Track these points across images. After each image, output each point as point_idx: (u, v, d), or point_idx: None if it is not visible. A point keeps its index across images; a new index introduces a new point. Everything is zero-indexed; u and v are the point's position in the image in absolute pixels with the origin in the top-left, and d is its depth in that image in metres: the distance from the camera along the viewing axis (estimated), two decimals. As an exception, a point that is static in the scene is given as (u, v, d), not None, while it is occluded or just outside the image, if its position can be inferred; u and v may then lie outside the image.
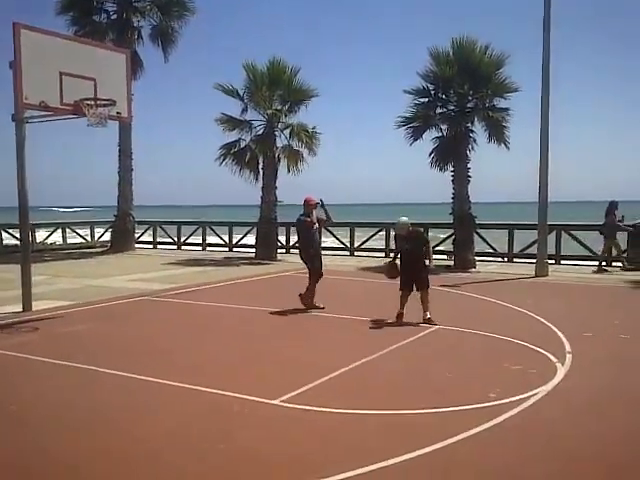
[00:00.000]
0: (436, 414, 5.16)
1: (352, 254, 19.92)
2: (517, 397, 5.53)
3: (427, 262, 9.13)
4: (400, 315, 8.96)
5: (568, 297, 11.62)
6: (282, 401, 5.46)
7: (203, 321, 9.46)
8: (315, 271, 10.08)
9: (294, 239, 21.19)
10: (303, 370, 6.52)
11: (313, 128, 18.76)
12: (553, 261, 15.99)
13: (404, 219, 9.08)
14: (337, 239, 21.11)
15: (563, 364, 6.65)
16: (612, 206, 15.27)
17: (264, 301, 10.86)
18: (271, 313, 9.78)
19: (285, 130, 18.79)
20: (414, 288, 9.05)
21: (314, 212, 10.09)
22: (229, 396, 5.63)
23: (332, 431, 4.87)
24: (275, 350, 7.48)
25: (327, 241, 22.28)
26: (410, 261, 9.07)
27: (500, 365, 6.67)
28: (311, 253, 10.12)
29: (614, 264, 15.56)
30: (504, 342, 7.72)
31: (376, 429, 4.89)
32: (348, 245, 20.40)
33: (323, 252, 10.73)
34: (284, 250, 20.60)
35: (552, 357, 6.92)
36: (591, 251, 16.74)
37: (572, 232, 17.18)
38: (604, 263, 15.36)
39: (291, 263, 17.44)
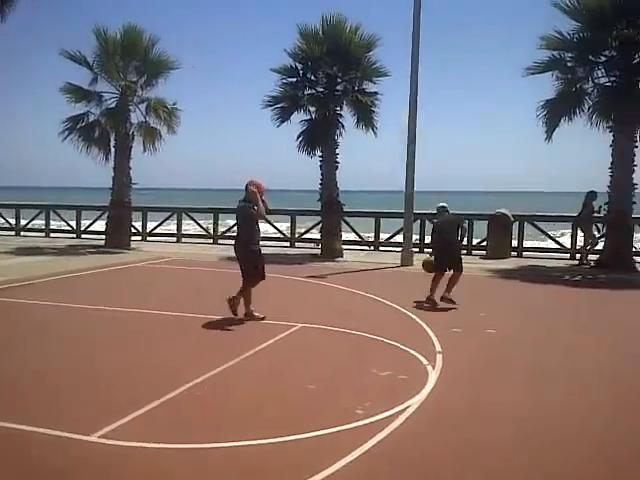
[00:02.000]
0: (293, 443, 4.25)
1: (215, 242, 18.71)
2: (387, 412, 4.80)
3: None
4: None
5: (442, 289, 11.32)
6: (101, 436, 4.28)
7: (26, 326, 7.87)
8: (256, 272, 8.15)
9: (152, 225, 19.62)
10: (136, 389, 5.34)
11: (173, 104, 17.20)
12: (418, 249, 15.91)
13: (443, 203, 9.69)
14: (200, 226, 19.81)
15: (434, 367, 6.07)
16: (590, 198, 14.34)
17: (110, 298, 9.43)
18: (116, 313, 8.42)
19: (141, 105, 17.05)
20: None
21: (260, 201, 8.03)
22: (27, 432, 4.34)
23: (166, 475, 3.81)
24: (109, 364, 6.17)
25: (189, 230, 20.96)
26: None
27: (368, 371, 5.94)
28: (253, 250, 8.12)
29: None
30: (372, 342, 7.05)
31: (218, 467, 3.91)
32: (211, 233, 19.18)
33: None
34: (140, 237, 18.92)
35: (422, 359, 6.32)
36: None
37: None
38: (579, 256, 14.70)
39: (147, 252, 15.93)
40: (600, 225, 14.52)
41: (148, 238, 19.16)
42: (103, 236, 17.89)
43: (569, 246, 15.86)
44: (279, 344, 7.00)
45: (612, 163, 13.60)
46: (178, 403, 5.02)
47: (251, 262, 8.08)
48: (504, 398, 5.28)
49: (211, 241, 18.77)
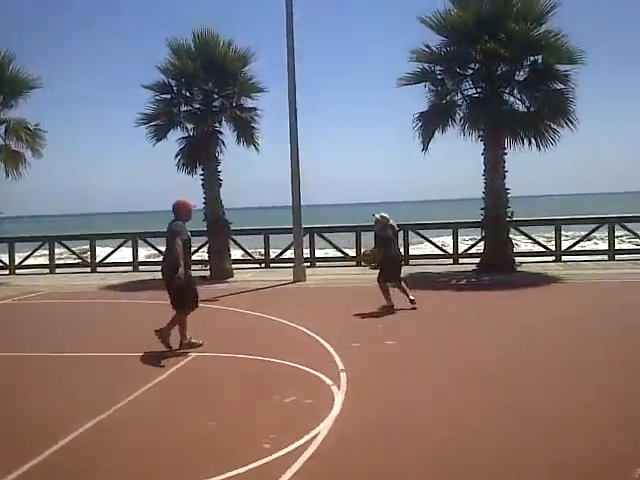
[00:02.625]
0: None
1: (94, 270, 17.49)
2: (297, 443, 4.49)
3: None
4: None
5: (330, 302, 11.23)
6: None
7: None
8: (189, 300, 7.56)
9: (21, 256, 18.02)
10: (21, 441, 4.63)
11: (36, 125, 15.89)
12: (309, 264, 15.82)
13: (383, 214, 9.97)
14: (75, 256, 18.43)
15: (339, 387, 5.84)
16: None
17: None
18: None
19: (-1, 127, 15.58)
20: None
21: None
22: None
23: None
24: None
25: (64, 258, 19.46)
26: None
27: (271, 399, 5.59)
28: (178, 276, 7.22)
29: None
30: (272, 366, 6.71)
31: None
32: (89, 261, 17.93)
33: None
34: (7, 271, 17.28)
35: (326, 379, 6.08)
36: (342, 252, 17.04)
37: (324, 234, 17.31)
38: None
39: (16, 287, 14.49)
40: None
41: (17, 271, 17.54)
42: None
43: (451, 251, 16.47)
44: (172, 378, 6.46)
45: (485, 170, 14.30)
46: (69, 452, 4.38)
47: (177, 289, 7.34)
48: (413, 414, 5.15)
49: (89, 270, 17.55)
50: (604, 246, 16.20)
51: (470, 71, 14.28)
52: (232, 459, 4.25)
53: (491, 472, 4.05)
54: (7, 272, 17.31)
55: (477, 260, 14.79)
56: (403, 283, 10.04)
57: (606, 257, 15.49)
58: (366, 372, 6.41)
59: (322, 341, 7.73)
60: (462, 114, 14.29)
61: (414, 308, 9.56)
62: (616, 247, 15.73)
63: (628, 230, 16.03)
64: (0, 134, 15.55)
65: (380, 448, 4.45)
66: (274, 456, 4.29)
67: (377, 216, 10.01)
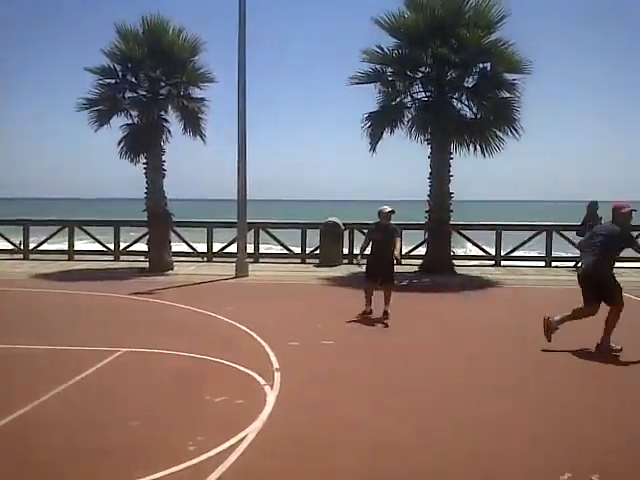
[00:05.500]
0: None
1: (26, 257, 16.77)
2: (223, 445, 4.34)
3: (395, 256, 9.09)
4: (366, 313, 8.99)
5: (270, 299, 11.06)
6: None
7: None
8: None
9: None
10: None
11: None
12: (252, 259, 15.62)
13: (387, 207, 9.15)
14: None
15: (272, 387, 5.72)
16: (593, 207, 14.29)
17: None
18: None
19: None
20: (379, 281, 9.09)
21: None
22: None
23: None
24: None
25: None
26: (381, 253, 9.05)
27: (201, 399, 5.41)
28: None
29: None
30: (205, 364, 6.52)
31: None
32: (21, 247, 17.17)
33: None
34: None
35: (260, 379, 5.95)
36: (287, 249, 16.91)
37: (269, 230, 17.12)
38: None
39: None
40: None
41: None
42: None
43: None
44: (97, 375, 6.18)
45: (431, 174, 14.44)
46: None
47: None
48: (348, 416, 5.08)
49: (21, 256, 16.83)
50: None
51: (420, 74, 14.36)
52: (150, 463, 4.07)
53: (430, 475, 4.01)
54: None
55: (420, 262, 14.92)
56: (388, 289, 9.28)
57: (543, 263, 15.92)
58: (301, 372, 6.31)
59: (259, 339, 7.58)
60: (410, 117, 14.38)
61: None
62: (553, 254, 16.16)
63: (565, 238, 16.50)
64: None
65: (311, 451, 4.36)
66: (197, 459, 4.13)
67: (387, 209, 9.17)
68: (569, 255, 16.40)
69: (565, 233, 16.23)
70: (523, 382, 6.10)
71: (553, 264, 15.82)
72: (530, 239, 16.25)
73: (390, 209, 9.20)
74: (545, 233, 16.06)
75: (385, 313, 9.07)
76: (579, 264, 7.99)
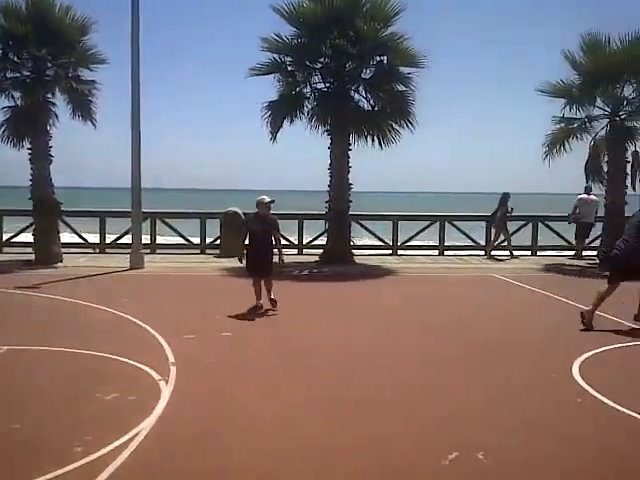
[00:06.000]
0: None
1: None
2: (113, 445, 4.15)
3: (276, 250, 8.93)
4: (257, 308, 8.63)
5: (167, 291, 10.74)
6: None
7: None
8: None
9: None
10: None
11: None
12: (149, 250, 15.10)
13: (266, 197, 8.80)
14: None
15: (167, 382, 5.55)
16: (505, 197, 15.55)
17: None
18: None
19: None
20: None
21: None
22: None
23: None
24: None
25: None
26: (260, 245, 8.73)
27: (91, 396, 5.15)
28: None
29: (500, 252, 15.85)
30: (96, 360, 6.21)
31: None
32: None
33: None
34: None
35: (154, 374, 5.76)
36: (186, 239, 16.51)
37: (166, 220, 16.63)
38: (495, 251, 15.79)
39: None
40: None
41: None
42: None
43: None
44: (-25, 376, 5.72)
45: (331, 164, 14.57)
46: None
47: None
48: (246, 410, 5.02)
49: None
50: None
51: (320, 65, 14.42)
52: (31, 468, 3.81)
53: (321, 461, 4.04)
54: None
55: (320, 251, 15.07)
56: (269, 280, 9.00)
57: (437, 252, 16.58)
58: (198, 365, 6.17)
59: (154, 332, 7.33)
60: (310, 107, 14.43)
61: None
62: (445, 243, 16.86)
63: (457, 228, 17.26)
64: None
65: (208, 447, 4.26)
66: (83, 461, 3.92)
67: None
68: (459, 244, 17.23)
69: (457, 223, 17.04)
70: (406, 364, 6.32)
71: (445, 252, 16.51)
72: (425, 229, 16.87)
73: (270, 199, 8.82)
74: (438, 223, 16.71)
75: (273, 301, 8.84)
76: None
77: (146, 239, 15.01)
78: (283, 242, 16.42)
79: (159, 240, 16.37)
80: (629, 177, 14.70)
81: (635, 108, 14.56)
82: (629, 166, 14.68)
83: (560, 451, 4.31)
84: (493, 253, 15.80)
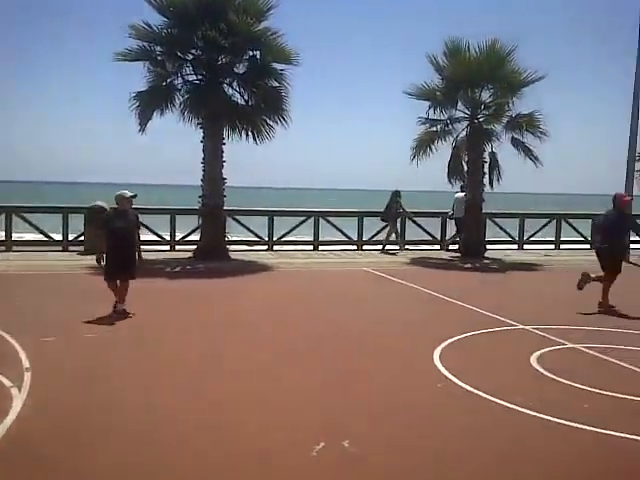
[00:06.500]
0: None
1: None
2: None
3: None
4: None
5: (23, 292, 9.86)
6: None
7: None
8: None
9: None
10: None
11: None
12: (4, 248, 13.91)
13: (127, 191, 8.25)
14: None
15: (21, 389, 5.12)
16: (396, 195, 16.39)
17: None
18: None
19: None
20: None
21: None
22: None
23: None
24: None
25: None
26: (123, 245, 8.03)
27: None
28: None
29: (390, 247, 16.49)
30: None
31: None
32: None
33: None
34: None
35: (5, 381, 5.29)
36: (47, 235, 15.40)
37: (24, 214, 15.42)
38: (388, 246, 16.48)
39: None
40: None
41: None
42: None
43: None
44: None
45: (204, 158, 14.26)
46: None
47: None
48: (108, 419, 4.74)
49: None
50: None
51: (191, 56, 14.05)
52: None
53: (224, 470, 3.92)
54: None
55: (194, 247, 14.71)
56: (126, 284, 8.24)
57: (311, 247, 16.84)
58: (56, 370, 5.76)
59: (6, 336, 6.73)
60: (182, 99, 14.04)
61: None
62: (320, 239, 17.17)
63: (332, 225, 17.61)
64: None
65: (62, 462, 3.96)
66: None
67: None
68: (335, 239, 17.63)
69: (331, 219, 17.43)
70: (266, 362, 6.36)
71: (320, 248, 16.81)
72: (300, 224, 17.06)
73: (132, 193, 8.26)
74: (313, 219, 16.97)
75: (120, 311, 8.00)
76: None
77: (0, 235, 13.84)
78: (154, 238, 16.00)
79: (15, 237, 15.14)
80: (487, 176, 15.89)
81: (492, 112, 15.71)
82: (487, 166, 15.87)
83: (421, 433, 4.53)
84: (387, 248, 16.50)
